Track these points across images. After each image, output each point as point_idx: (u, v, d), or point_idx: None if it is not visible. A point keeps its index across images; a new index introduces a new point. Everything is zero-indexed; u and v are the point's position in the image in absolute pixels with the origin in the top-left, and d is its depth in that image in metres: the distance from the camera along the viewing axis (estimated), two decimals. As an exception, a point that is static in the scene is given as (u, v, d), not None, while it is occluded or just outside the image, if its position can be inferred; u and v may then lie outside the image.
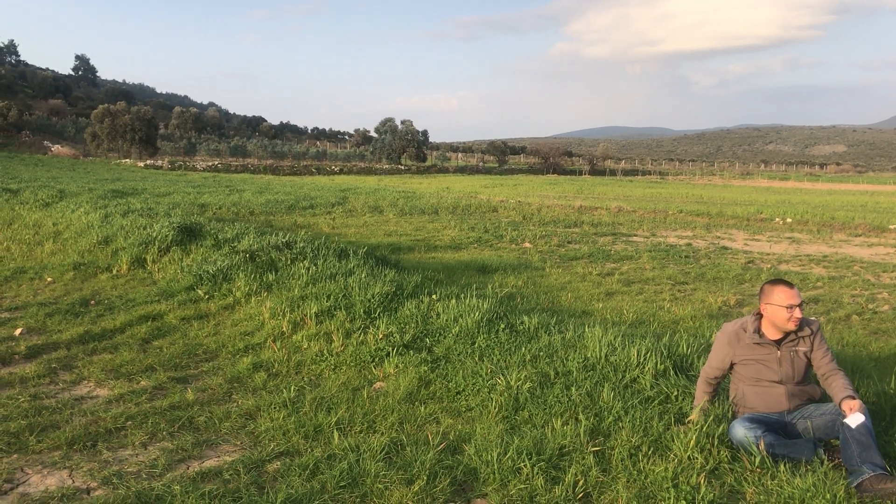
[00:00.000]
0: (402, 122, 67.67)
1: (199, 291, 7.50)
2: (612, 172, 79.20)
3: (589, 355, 5.02)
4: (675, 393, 4.49)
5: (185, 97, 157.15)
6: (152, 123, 53.34)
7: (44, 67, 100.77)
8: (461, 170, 65.33)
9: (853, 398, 3.85)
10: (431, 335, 5.70)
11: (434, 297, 6.56)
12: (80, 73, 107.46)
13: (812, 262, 11.86)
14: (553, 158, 76.47)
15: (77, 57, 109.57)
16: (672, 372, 4.79)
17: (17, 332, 6.21)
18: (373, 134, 74.27)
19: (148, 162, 45.96)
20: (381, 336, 5.70)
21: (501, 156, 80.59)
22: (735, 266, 10.99)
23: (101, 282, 8.39)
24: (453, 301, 6.29)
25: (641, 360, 4.87)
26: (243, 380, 5.14)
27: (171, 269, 8.60)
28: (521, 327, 5.73)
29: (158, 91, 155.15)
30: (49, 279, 8.46)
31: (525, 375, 4.68)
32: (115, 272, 8.82)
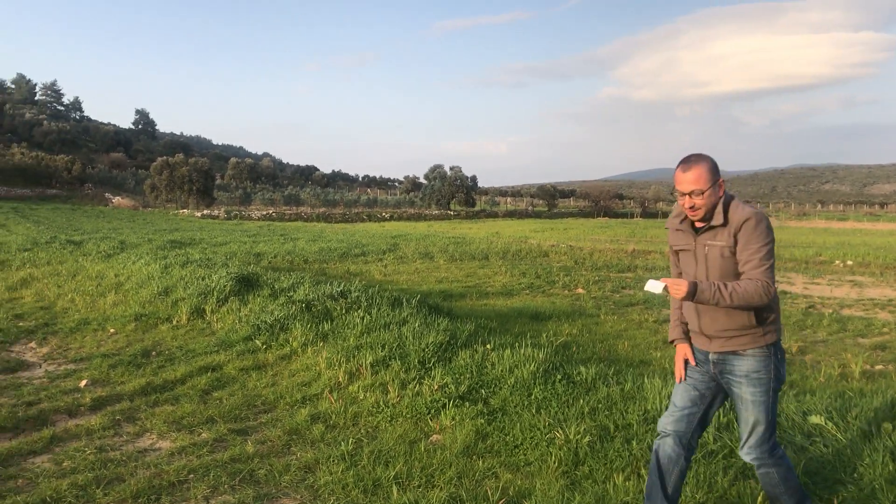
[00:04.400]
0: (451, 169, 68.23)
1: (257, 342, 7.61)
2: (665, 215, 78.35)
3: (649, 407, 4.93)
4: (740, 447, 4.37)
5: (241, 148, 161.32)
6: (209, 174, 54.79)
7: (106, 122, 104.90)
8: (510, 214, 65.44)
9: (689, 289, 3.11)
10: (487, 386, 5.66)
11: (488, 346, 6.54)
12: (140, 126, 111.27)
13: (877, 306, 11.51)
14: (603, 201, 76.04)
15: (137, 111, 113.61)
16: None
17: (83, 383, 6.37)
18: (422, 180, 74.99)
19: (205, 212, 47.13)
20: (436, 387, 5.68)
21: (551, 199, 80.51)
22: (795, 311, 10.73)
23: (162, 332, 8.58)
24: (508, 351, 6.26)
25: (703, 413, 4.76)
26: (301, 432, 5.17)
27: (230, 319, 8.76)
28: (578, 378, 5.66)
29: (215, 142, 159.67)
30: (112, 330, 8.68)
31: (584, 429, 4.61)
32: (175, 323, 9.00)
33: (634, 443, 4.40)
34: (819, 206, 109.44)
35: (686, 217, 3.39)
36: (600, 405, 5.02)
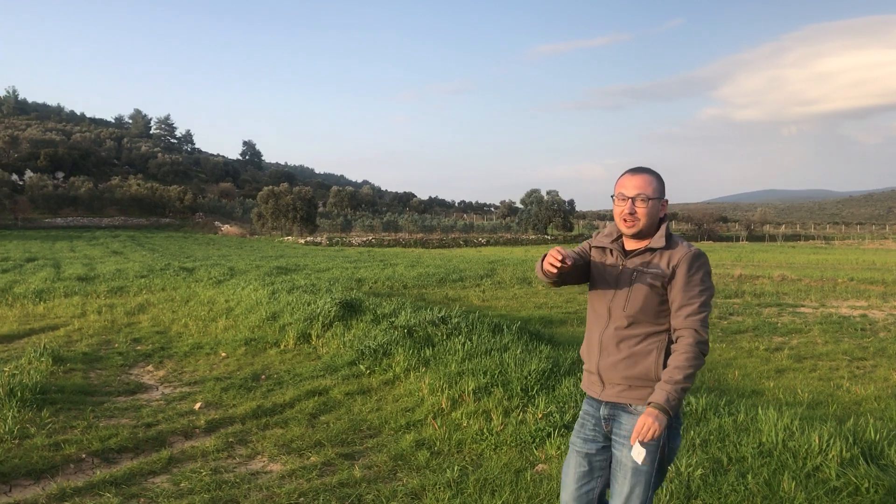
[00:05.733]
0: (548, 193, 67.92)
1: (361, 366, 7.74)
2: (772, 238, 75.37)
3: (764, 440, 4.73)
4: (866, 484, 4.13)
5: (342, 176, 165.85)
6: (312, 202, 56.49)
7: (215, 154, 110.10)
8: (609, 238, 64.42)
9: (662, 411, 2.69)
10: (592, 415, 5.56)
11: (593, 374, 6.42)
12: (247, 157, 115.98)
13: None
14: (707, 224, 73.90)
15: (244, 143, 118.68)
16: (861, 461, 4.42)
17: (197, 406, 6.63)
18: (518, 205, 74.88)
19: (308, 239, 48.53)
20: (540, 415, 5.62)
21: (651, 223, 78.84)
22: (921, 340, 10.09)
23: (270, 357, 8.85)
24: (613, 379, 6.13)
25: (824, 447, 4.53)
26: (407, 457, 5.21)
27: (334, 343, 8.95)
28: (688, 409, 5.49)
29: (317, 171, 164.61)
30: (223, 354, 9.02)
31: (696, 461, 4.47)
32: (282, 347, 9.27)
33: (750, 476, 4.23)
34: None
35: (618, 237, 3.02)
36: (712, 437, 4.86)
